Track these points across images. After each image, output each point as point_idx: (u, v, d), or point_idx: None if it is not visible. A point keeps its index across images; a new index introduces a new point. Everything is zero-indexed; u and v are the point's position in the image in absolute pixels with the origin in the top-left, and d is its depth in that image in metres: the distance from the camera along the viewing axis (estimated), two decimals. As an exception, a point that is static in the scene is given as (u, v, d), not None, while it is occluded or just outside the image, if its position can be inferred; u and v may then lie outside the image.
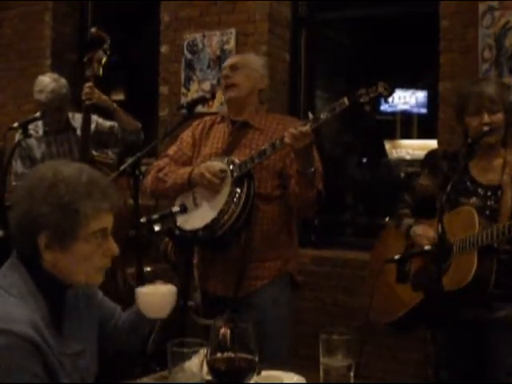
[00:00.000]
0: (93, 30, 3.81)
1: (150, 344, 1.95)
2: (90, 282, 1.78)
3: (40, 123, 4.12)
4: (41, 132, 4.13)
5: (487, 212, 2.64)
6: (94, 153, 3.91)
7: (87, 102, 3.75)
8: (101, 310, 1.96)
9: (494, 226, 2.53)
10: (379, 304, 2.89)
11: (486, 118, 2.67)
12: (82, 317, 1.84)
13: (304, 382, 1.91)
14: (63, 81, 4.11)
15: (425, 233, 2.73)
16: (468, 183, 2.73)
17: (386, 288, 2.87)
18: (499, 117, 2.66)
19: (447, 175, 2.75)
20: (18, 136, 3.79)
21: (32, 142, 4.10)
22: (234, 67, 3.09)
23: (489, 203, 2.66)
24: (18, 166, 4.09)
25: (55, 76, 4.14)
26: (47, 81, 4.05)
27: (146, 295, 1.87)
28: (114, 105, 3.99)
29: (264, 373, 1.84)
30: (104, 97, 3.89)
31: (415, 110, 7.97)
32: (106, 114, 4.05)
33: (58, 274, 1.72)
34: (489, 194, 2.67)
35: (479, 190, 2.70)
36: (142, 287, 1.91)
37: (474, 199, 2.68)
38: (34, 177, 1.74)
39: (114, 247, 1.77)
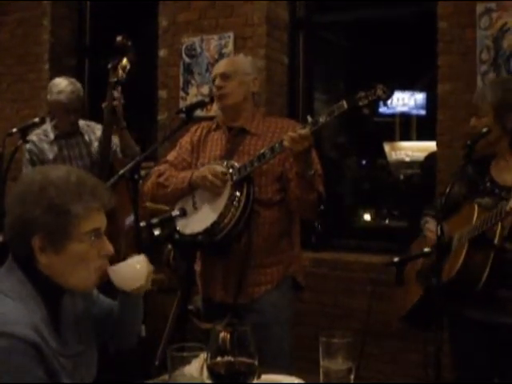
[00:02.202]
0: (118, 38, 3.86)
1: (158, 356, 1.96)
2: (85, 286, 1.79)
3: (49, 128, 4.16)
4: (51, 136, 4.15)
5: None
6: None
7: (114, 103, 3.79)
8: (98, 309, 1.96)
9: (486, 214, 2.53)
10: (395, 304, 2.95)
11: (472, 121, 2.70)
12: (79, 318, 1.85)
13: (304, 385, 1.91)
14: (79, 84, 4.18)
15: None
16: (488, 183, 2.73)
17: (401, 289, 2.89)
18: (484, 121, 2.66)
19: (472, 178, 2.76)
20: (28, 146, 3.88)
21: (43, 145, 4.13)
22: (224, 76, 3.04)
23: (501, 202, 2.65)
24: (28, 170, 4.10)
25: (71, 79, 4.19)
26: (65, 83, 4.10)
27: (115, 269, 1.84)
28: (125, 123, 3.98)
29: (264, 376, 1.83)
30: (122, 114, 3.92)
31: (414, 112, 7.96)
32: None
33: (55, 278, 1.72)
34: (503, 194, 2.67)
35: (496, 190, 2.70)
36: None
37: (486, 199, 2.68)
38: (24, 182, 1.76)
39: (108, 247, 1.78)
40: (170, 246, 3.19)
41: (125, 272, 1.85)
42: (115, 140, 4.05)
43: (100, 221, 1.76)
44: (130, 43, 3.88)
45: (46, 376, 1.61)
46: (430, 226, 2.83)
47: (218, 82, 3.06)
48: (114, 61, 3.86)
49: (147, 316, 2.39)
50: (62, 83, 4.09)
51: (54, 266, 1.71)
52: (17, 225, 1.70)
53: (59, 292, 1.77)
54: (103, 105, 3.82)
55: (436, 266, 2.45)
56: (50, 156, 4.12)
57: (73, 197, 1.69)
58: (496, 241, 2.54)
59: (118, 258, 1.84)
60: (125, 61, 3.87)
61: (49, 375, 1.62)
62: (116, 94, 3.82)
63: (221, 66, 3.14)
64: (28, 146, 4.05)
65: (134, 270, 1.86)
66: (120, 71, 3.84)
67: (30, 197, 1.69)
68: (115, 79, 3.85)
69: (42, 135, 4.13)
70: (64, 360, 1.70)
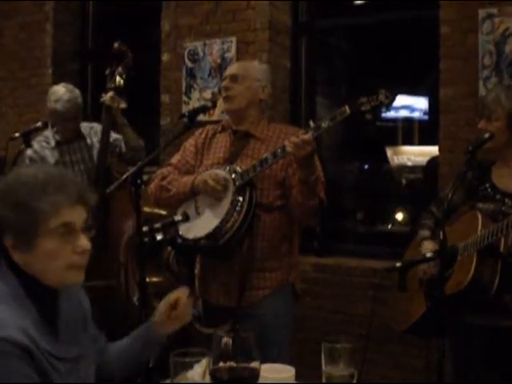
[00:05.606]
0: (116, 44, 3.90)
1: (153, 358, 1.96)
2: (64, 281, 1.76)
3: (50, 134, 4.16)
4: (53, 143, 4.15)
5: (500, 217, 2.62)
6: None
7: (107, 103, 3.89)
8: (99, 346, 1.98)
9: (493, 225, 2.53)
10: (398, 312, 2.93)
11: (481, 124, 2.70)
12: (78, 323, 1.84)
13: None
14: (77, 91, 4.18)
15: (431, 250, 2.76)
16: (489, 189, 2.73)
17: (404, 296, 2.88)
18: (495, 125, 2.65)
19: (472, 184, 2.75)
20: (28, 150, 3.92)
21: (45, 152, 4.13)
22: (234, 78, 3.06)
23: (503, 209, 2.65)
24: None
25: (69, 86, 4.18)
26: (62, 90, 4.09)
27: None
28: (125, 120, 4.05)
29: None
30: (120, 110, 3.99)
31: (416, 117, 7.95)
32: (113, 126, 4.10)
33: (33, 275, 1.71)
34: (506, 200, 2.67)
35: (498, 196, 2.70)
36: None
37: (488, 205, 2.68)
38: (0, 181, 1.77)
39: (84, 243, 1.74)
40: (169, 248, 3.18)
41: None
42: (116, 136, 4.11)
43: (72, 215, 1.72)
44: (127, 49, 3.92)
45: (38, 377, 1.61)
46: (427, 248, 2.84)
47: (226, 82, 3.08)
48: (111, 67, 3.92)
49: (147, 318, 2.39)
50: (59, 91, 4.10)
51: (28, 264, 1.70)
52: None
53: (51, 295, 1.76)
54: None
55: (441, 276, 2.45)
56: (52, 162, 4.13)
57: (37, 194, 1.69)
58: (502, 249, 2.54)
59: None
60: (122, 67, 3.92)
61: (40, 377, 1.62)
62: (107, 95, 3.90)
63: (232, 68, 3.17)
64: (29, 153, 4.05)
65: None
66: (117, 78, 3.89)
67: (0, 197, 1.71)
68: (112, 85, 3.90)
69: (44, 142, 4.13)
70: (58, 363, 1.69)
